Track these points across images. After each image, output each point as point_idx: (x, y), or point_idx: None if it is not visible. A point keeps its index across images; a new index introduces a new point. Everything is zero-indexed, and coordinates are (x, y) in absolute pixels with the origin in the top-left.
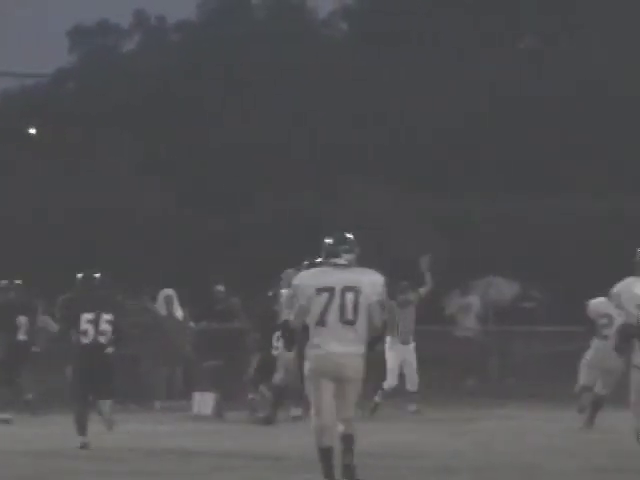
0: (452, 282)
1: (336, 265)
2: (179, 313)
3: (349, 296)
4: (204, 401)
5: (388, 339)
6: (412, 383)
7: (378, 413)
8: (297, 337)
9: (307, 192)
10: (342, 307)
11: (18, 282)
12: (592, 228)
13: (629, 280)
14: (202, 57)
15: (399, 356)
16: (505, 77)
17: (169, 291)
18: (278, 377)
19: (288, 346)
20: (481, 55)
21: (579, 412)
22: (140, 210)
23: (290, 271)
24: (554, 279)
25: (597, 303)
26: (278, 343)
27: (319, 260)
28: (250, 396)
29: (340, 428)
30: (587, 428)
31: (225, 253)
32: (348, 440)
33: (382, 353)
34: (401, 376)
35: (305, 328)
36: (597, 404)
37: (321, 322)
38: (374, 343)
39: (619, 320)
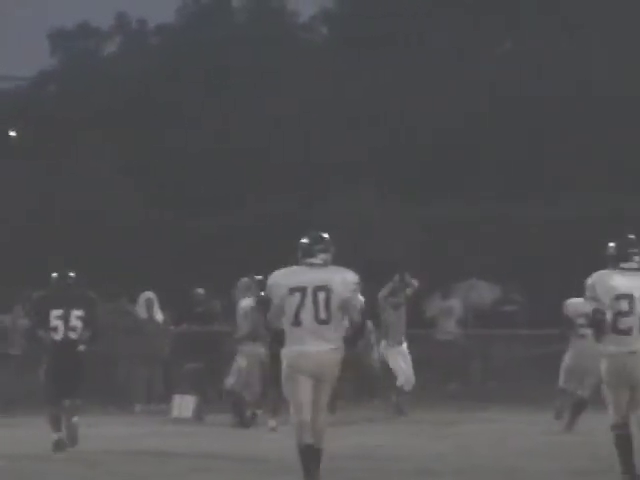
0: (433, 285)
1: (312, 265)
2: (159, 316)
3: (321, 296)
4: (184, 404)
5: (382, 342)
6: (407, 383)
7: (360, 415)
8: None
9: (284, 195)
10: (316, 306)
11: None
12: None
13: (603, 272)
14: (182, 60)
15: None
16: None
17: (150, 294)
18: (229, 382)
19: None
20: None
21: (556, 418)
22: (119, 212)
23: (245, 280)
24: (536, 282)
25: (576, 302)
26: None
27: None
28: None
29: (310, 440)
30: (568, 430)
31: (206, 255)
32: (316, 455)
33: (359, 353)
34: (391, 376)
35: (281, 331)
36: (578, 407)
37: (296, 322)
38: (355, 339)
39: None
